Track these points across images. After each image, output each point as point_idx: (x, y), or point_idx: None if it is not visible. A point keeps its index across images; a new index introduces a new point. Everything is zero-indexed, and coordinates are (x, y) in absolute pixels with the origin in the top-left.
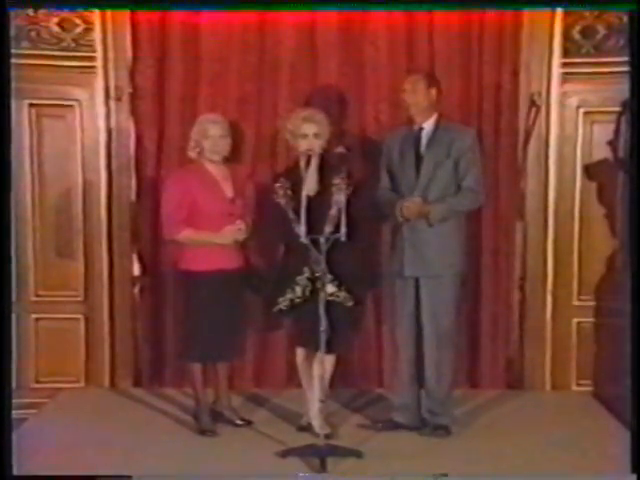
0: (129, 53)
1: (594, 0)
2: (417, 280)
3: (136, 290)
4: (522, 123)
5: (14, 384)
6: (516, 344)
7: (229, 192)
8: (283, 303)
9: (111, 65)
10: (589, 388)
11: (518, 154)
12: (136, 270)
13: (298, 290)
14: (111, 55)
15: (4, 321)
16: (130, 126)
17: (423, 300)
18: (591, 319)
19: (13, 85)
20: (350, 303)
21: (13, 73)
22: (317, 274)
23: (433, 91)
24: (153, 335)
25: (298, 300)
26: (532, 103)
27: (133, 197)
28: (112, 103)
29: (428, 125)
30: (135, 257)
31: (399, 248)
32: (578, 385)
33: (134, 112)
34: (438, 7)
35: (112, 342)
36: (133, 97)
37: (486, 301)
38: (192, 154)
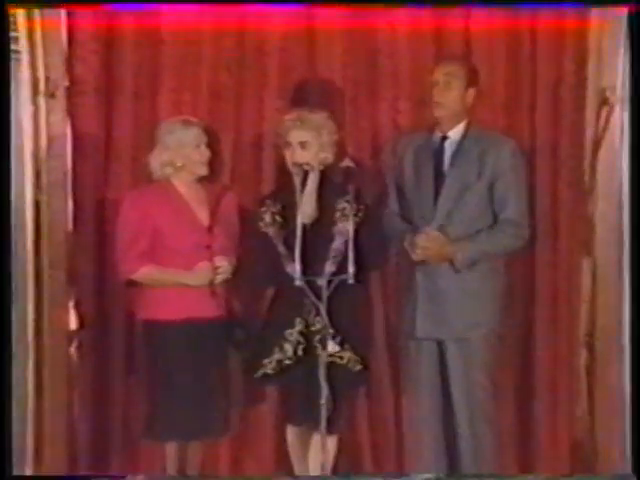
0: (64, 34)
1: None
2: (440, 340)
3: (73, 348)
4: (590, 128)
5: None
6: (584, 420)
7: (204, 219)
8: (269, 366)
9: (40, 50)
10: None
11: (584, 169)
12: (73, 322)
13: (288, 349)
14: (39, 36)
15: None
16: (67, 131)
17: (449, 366)
18: None
19: None
20: (358, 367)
21: None
22: (314, 328)
23: (471, 92)
24: (95, 408)
25: (289, 362)
26: (604, 101)
27: (70, 225)
28: (42, 100)
29: (455, 134)
30: (72, 305)
31: (410, 299)
32: None
33: (72, 112)
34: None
35: (39, 418)
36: (71, 93)
37: (542, 364)
38: (158, 172)
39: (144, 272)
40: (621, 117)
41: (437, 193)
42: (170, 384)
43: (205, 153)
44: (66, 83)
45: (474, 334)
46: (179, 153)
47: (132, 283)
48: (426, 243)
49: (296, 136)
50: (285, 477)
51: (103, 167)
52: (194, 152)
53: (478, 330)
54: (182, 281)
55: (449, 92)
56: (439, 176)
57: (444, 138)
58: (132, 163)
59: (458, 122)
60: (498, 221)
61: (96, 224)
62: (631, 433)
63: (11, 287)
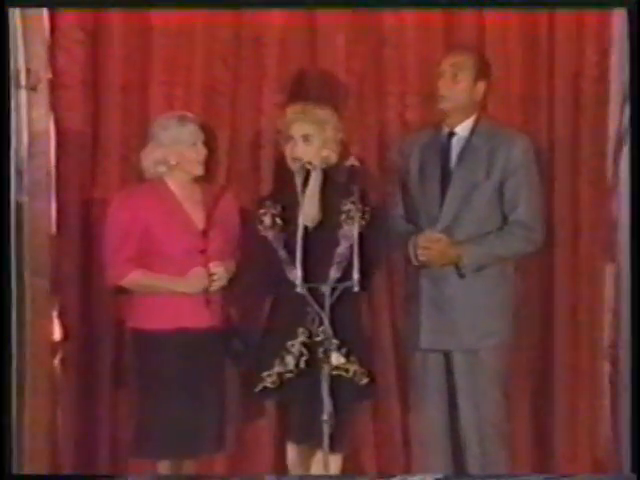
0: (47, 22)
1: None
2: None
3: (56, 361)
4: (613, 123)
5: None
6: (608, 440)
7: (200, 221)
8: (269, 379)
9: (20, 39)
10: None
11: (607, 166)
12: (57, 333)
13: (290, 361)
14: (20, 24)
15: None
16: (50, 127)
17: (457, 380)
18: None
19: None
20: (364, 380)
21: None
22: (317, 338)
23: (481, 85)
24: (81, 425)
25: (290, 375)
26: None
27: (53, 229)
28: (23, 94)
29: (462, 129)
30: (55, 315)
31: (414, 308)
32: None
33: (56, 107)
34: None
35: (20, 435)
36: (54, 86)
37: (561, 378)
38: (151, 171)
39: (133, 278)
40: None
41: (443, 193)
42: (162, 399)
43: (202, 151)
44: (49, 75)
45: (483, 345)
46: (173, 151)
47: (120, 290)
48: (428, 244)
49: (299, 129)
50: (285, 477)
51: (89, 165)
52: (190, 150)
53: (487, 340)
54: (174, 288)
55: (455, 84)
56: (446, 175)
57: (451, 134)
58: (121, 161)
59: (466, 117)
60: (508, 223)
61: (82, 227)
62: (631, 433)
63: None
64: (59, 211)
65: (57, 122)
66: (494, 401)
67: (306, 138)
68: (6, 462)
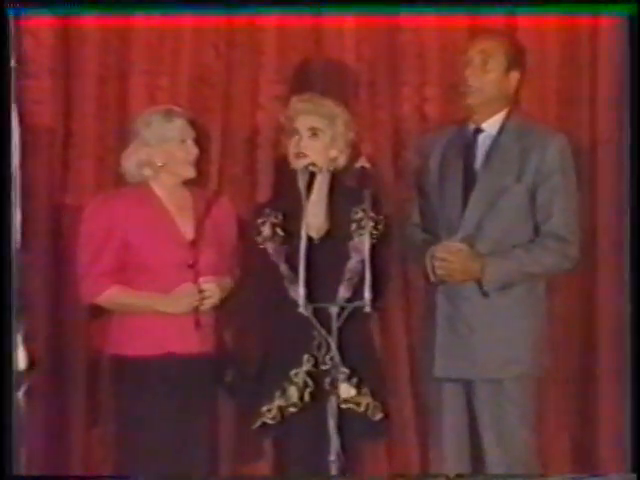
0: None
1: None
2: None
3: (21, 393)
4: None
5: None
6: None
7: (189, 231)
8: (269, 414)
9: None
10: None
11: None
12: (21, 362)
13: (293, 393)
14: None
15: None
16: (13, 122)
17: (479, 414)
18: None
19: None
20: (378, 415)
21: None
22: (324, 367)
23: (514, 76)
24: (49, 469)
25: (293, 409)
26: None
27: (18, 240)
28: None
29: (490, 126)
30: (20, 340)
31: (429, 330)
32: None
33: (21, 99)
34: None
35: None
36: (19, 75)
37: (606, 415)
38: (134, 173)
39: (111, 295)
40: None
41: (466, 197)
42: (145, 436)
43: (192, 150)
44: (12, 63)
45: (507, 374)
46: (159, 150)
47: (97, 310)
48: (446, 255)
49: (306, 121)
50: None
51: (60, 167)
52: (178, 149)
53: (512, 369)
54: (159, 307)
55: (485, 74)
56: (469, 177)
57: (477, 131)
58: (96, 162)
59: (496, 112)
60: (540, 234)
61: (51, 238)
62: (631, 433)
63: None
64: (24, 220)
65: (22, 117)
66: (522, 439)
67: (314, 132)
68: (7, 463)
